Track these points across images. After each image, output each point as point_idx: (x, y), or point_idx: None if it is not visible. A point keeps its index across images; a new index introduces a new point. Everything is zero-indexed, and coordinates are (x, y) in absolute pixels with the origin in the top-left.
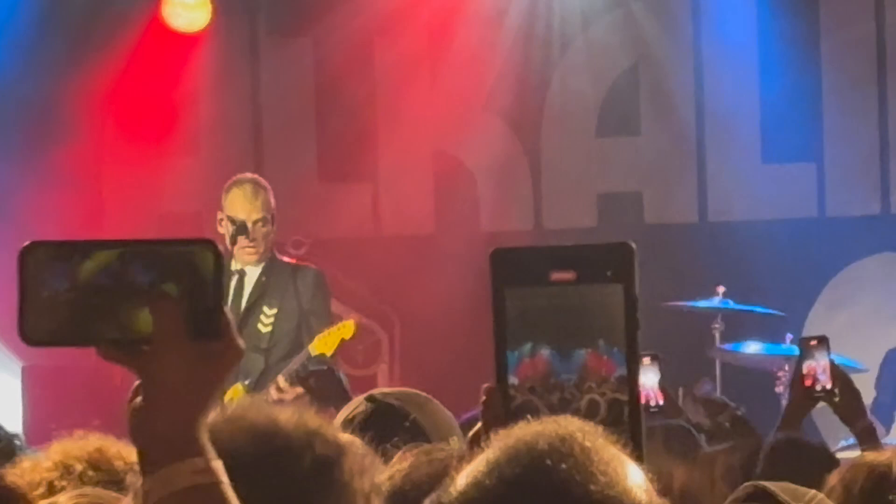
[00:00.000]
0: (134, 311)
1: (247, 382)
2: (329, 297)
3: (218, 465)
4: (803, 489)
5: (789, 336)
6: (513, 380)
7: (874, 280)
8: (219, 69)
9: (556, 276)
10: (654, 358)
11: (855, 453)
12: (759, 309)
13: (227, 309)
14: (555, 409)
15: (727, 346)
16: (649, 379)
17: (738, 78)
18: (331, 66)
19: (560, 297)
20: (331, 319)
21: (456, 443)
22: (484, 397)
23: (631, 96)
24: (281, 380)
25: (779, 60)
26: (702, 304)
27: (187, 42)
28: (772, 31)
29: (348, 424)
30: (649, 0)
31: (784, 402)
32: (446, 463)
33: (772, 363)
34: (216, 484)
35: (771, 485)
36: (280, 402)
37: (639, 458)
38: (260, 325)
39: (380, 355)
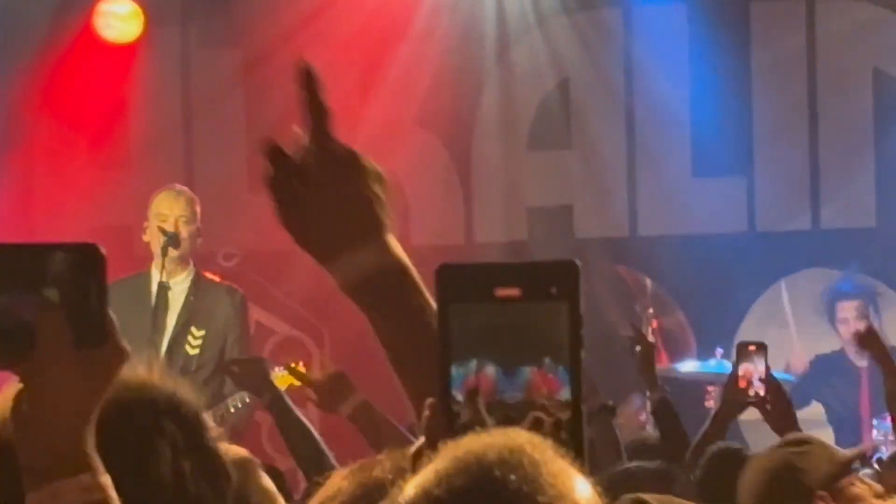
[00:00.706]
0: (15, 316)
1: None
2: (249, 322)
3: (106, 481)
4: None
5: (719, 350)
6: (457, 396)
7: (804, 295)
8: (150, 80)
9: (501, 292)
10: (759, 346)
11: None
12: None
13: (111, 312)
14: (498, 427)
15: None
16: (756, 365)
17: (668, 92)
18: (261, 78)
19: (505, 314)
20: (250, 347)
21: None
22: (427, 412)
23: (562, 111)
24: (210, 418)
25: (709, 75)
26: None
27: (119, 53)
28: (703, 46)
29: None
30: (580, 16)
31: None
32: (382, 479)
33: (701, 377)
34: (104, 501)
35: (650, 497)
36: None
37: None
38: (188, 347)
39: (309, 367)
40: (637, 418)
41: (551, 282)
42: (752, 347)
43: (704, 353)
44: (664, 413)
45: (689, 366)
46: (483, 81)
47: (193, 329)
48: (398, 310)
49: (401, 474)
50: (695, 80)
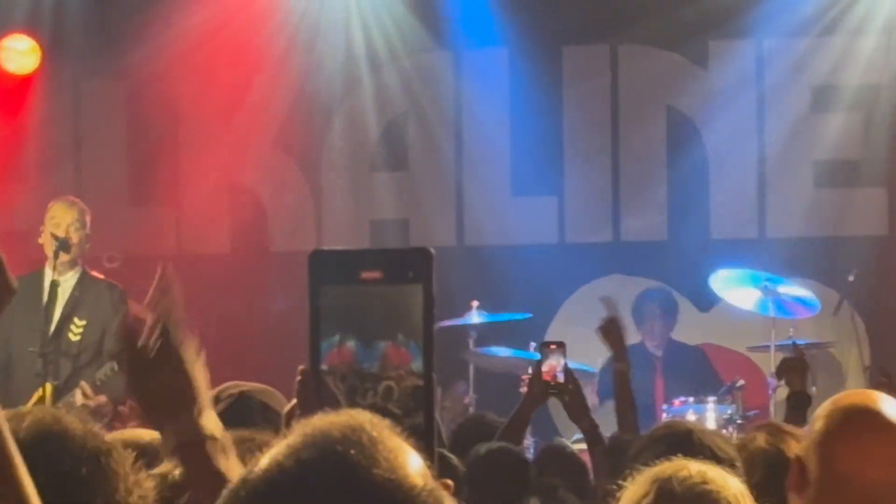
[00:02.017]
0: None
1: (57, 383)
2: (129, 315)
3: None
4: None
5: (532, 344)
6: (323, 366)
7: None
8: (46, 107)
9: (366, 275)
10: (559, 345)
11: (582, 446)
12: (507, 317)
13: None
14: (356, 392)
15: (480, 350)
16: (557, 361)
17: (491, 123)
18: (142, 106)
19: (367, 295)
20: None
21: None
22: (299, 377)
23: (401, 137)
24: (86, 386)
25: (526, 108)
26: (460, 322)
27: (19, 83)
28: (521, 83)
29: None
30: (418, 57)
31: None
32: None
33: (517, 366)
34: None
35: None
36: (85, 407)
37: (430, 440)
38: (70, 335)
39: None
40: (461, 403)
41: (409, 266)
42: (552, 346)
43: (520, 346)
44: (622, 383)
45: (503, 352)
46: (333, 110)
47: (76, 319)
48: (199, 473)
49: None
50: (514, 112)
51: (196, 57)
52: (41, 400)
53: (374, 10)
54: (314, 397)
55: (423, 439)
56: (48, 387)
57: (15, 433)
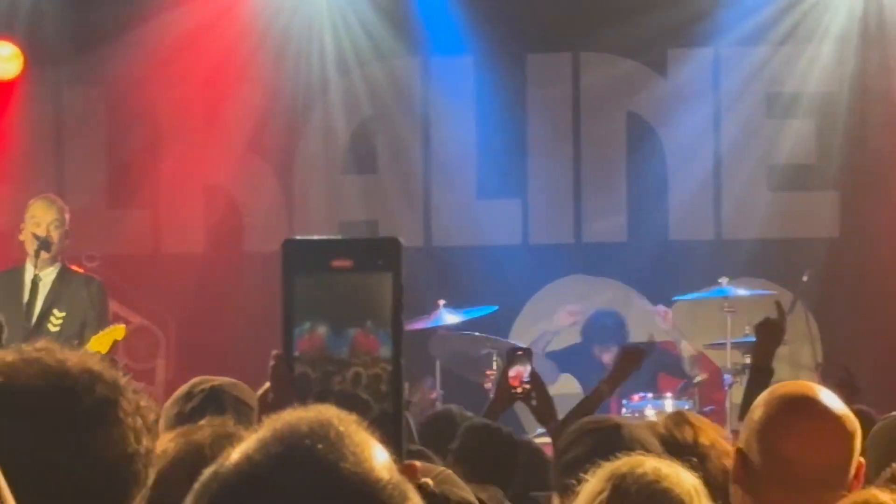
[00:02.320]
0: None
1: None
2: (108, 305)
3: None
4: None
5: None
6: (295, 353)
7: (567, 296)
8: (28, 111)
9: (336, 263)
10: (526, 351)
11: (545, 440)
12: (473, 312)
13: None
14: (326, 378)
15: (446, 332)
16: (524, 366)
17: (458, 128)
18: (121, 111)
19: (338, 283)
20: (108, 323)
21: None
22: (273, 362)
23: (370, 141)
24: None
25: (491, 113)
26: (430, 325)
27: (4, 88)
28: (486, 90)
29: (186, 402)
30: (386, 63)
31: (491, 396)
32: (202, 443)
33: (482, 363)
34: None
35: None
36: None
37: (398, 425)
38: (50, 326)
39: (158, 351)
40: (428, 397)
41: (378, 255)
42: (519, 353)
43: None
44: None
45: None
46: (305, 115)
47: (56, 311)
48: None
49: (218, 440)
50: (479, 118)
51: (173, 64)
52: None
53: (343, 16)
54: (287, 382)
55: (392, 424)
56: None
57: (24, 380)
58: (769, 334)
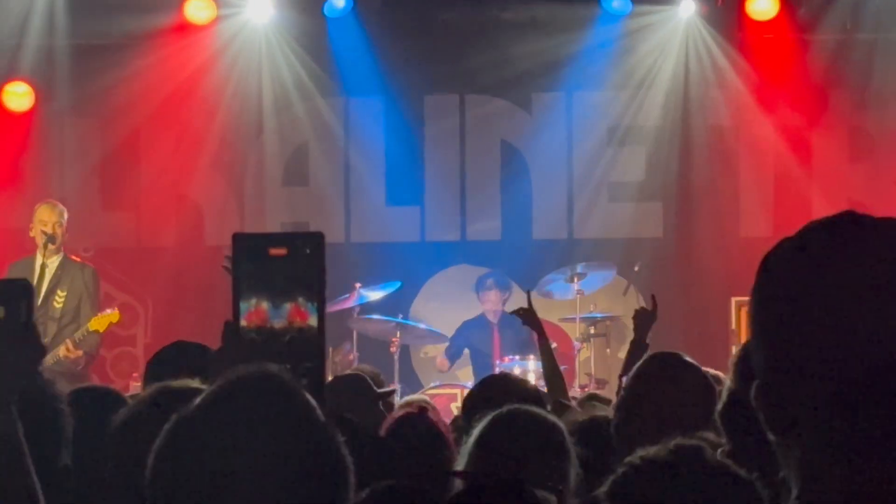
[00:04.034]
0: None
1: (46, 340)
2: (99, 287)
3: None
4: None
5: (400, 314)
6: (243, 322)
7: (454, 281)
8: (38, 137)
9: (274, 252)
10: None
11: (437, 392)
12: (383, 287)
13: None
14: (267, 342)
15: (362, 316)
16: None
17: (372, 151)
18: (111, 136)
19: (276, 267)
20: (99, 303)
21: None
22: (224, 329)
23: (303, 161)
24: (70, 343)
25: (397, 140)
26: (351, 304)
27: (18, 119)
28: (393, 122)
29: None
30: (317, 101)
31: (396, 361)
32: (176, 387)
33: (387, 329)
34: None
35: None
36: (67, 358)
37: (320, 378)
38: (55, 303)
39: (138, 321)
40: (347, 359)
41: (307, 246)
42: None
43: (392, 314)
44: (548, 355)
45: (378, 317)
46: (254, 141)
47: (59, 291)
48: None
49: (183, 388)
50: (388, 144)
51: (152, 100)
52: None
53: (279, 66)
54: (235, 344)
55: (316, 376)
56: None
57: None
58: (645, 318)
